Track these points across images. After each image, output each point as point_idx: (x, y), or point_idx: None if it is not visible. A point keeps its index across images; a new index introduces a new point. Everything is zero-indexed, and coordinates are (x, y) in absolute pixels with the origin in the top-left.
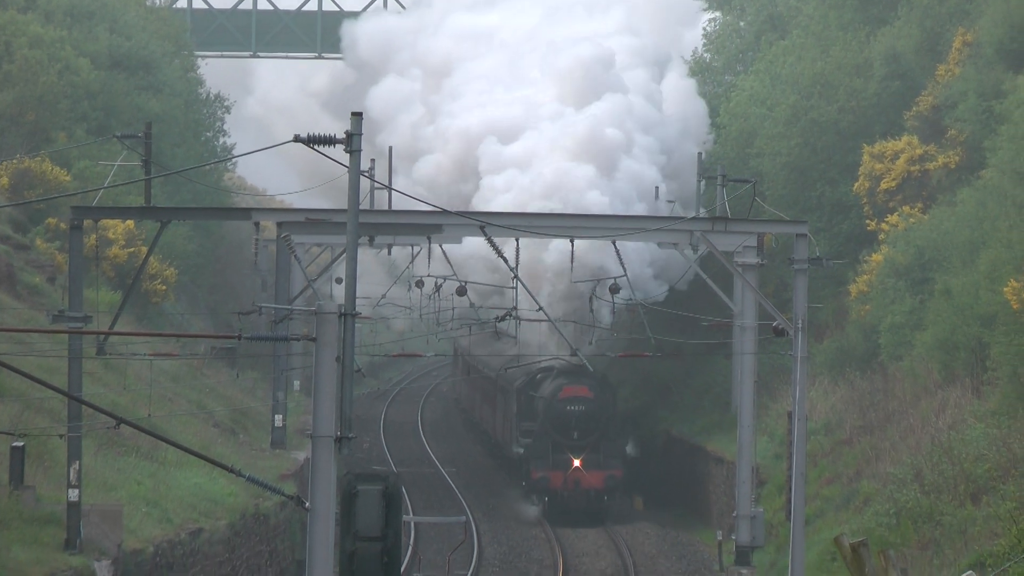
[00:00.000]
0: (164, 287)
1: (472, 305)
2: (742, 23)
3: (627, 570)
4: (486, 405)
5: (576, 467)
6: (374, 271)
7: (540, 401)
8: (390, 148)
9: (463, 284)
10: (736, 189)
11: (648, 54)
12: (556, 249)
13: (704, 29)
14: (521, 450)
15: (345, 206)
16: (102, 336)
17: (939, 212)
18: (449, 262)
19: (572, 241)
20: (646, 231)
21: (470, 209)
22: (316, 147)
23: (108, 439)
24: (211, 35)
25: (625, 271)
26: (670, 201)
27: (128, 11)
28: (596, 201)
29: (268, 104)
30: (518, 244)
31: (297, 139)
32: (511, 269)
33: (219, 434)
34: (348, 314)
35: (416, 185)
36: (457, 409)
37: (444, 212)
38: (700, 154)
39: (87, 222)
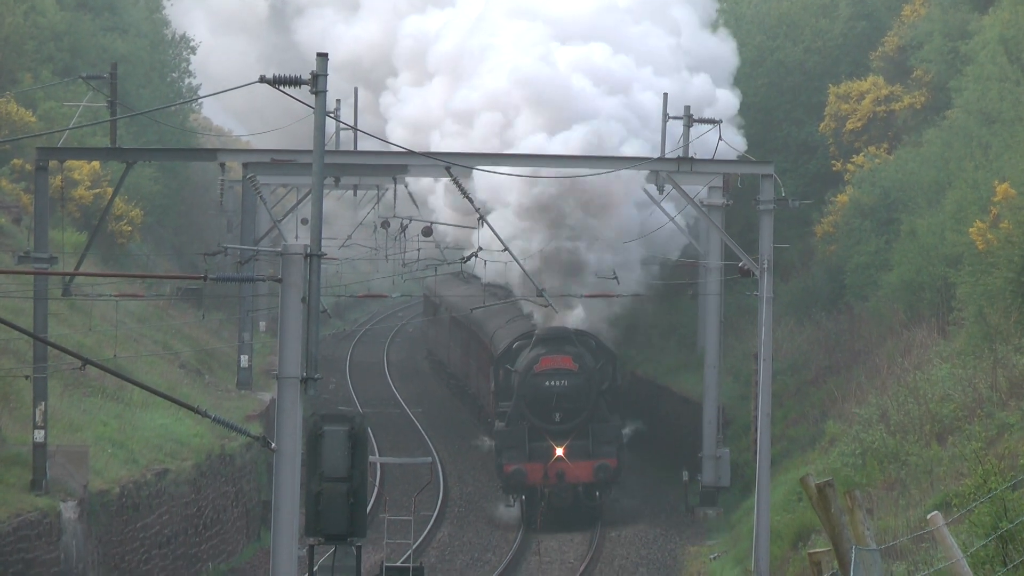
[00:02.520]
0: (130, 228)
1: (438, 246)
2: None
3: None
4: (453, 347)
5: (558, 457)
6: (340, 214)
7: (514, 376)
8: (355, 89)
9: (429, 224)
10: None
11: None
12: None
13: None
14: (492, 441)
15: (311, 147)
16: (68, 277)
17: (905, 153)
18: (415, 202)
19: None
20: (611, 171)
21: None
22: (282, 88)
23: (74, 380)
24: None
25: None
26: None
27: None
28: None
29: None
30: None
31: (263, 80)
32: (476, 209)
33: (185, 375)
34: (314, 255)
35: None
36: (428, 357)
37: (410, 152)
38: (666, 94)
39: (53, 163)
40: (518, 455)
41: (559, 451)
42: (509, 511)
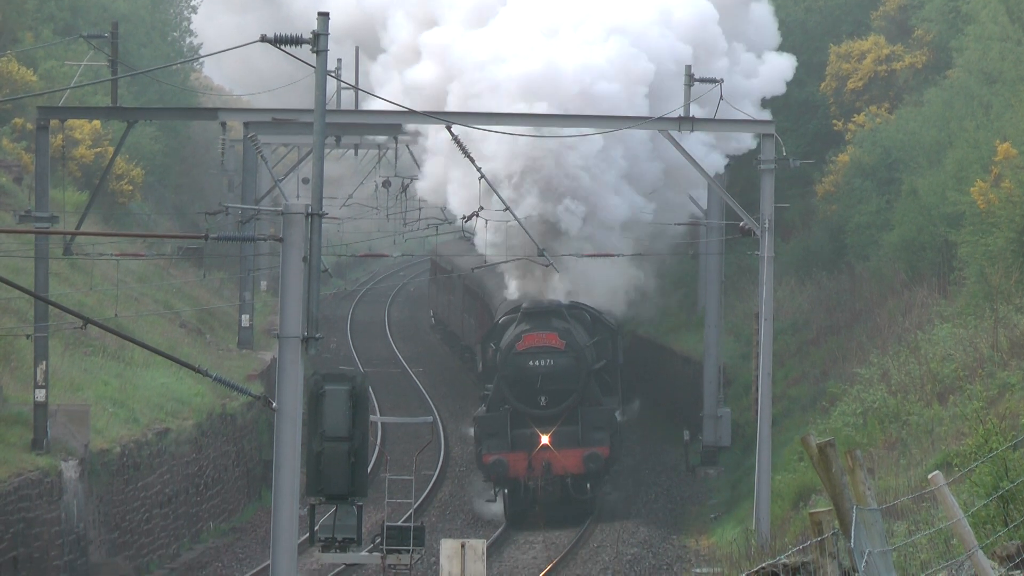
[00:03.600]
0: (131, 187)
1: (441, 207)
2: None
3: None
4: (465, 316)
5: (544, 445)
6: (341, 174)
7: (496, 355)
8: (356, 48)
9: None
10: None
11: None
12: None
13: None
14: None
15: (312, 106)
16: (69, 236)
17: (906, 112)
18: (416, 162)
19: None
20: (614, 130)
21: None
22: (283, 47)
23: (75, 339)
24: None
25: None
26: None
27: None
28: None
29: None
30: None
31: (264, 39)
32: (477, 169)
33: (186, 334)
34: (315, 214)
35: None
36: (437, 327)
37: (411, 112)
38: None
39: (54, 122)
40: (499, 444)
41: (544, 439)
42: (491, 507)
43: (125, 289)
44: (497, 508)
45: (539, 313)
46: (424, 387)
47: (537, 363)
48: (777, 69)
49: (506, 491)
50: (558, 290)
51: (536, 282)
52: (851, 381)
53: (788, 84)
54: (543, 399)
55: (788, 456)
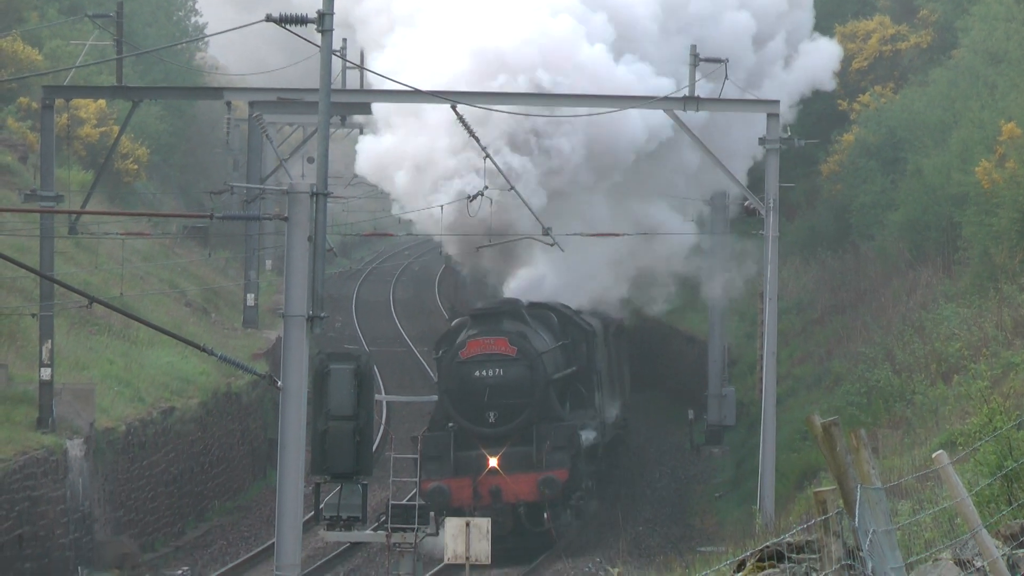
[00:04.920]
0: (136, 167)
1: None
2: None
3: None
4: (457, 298)
5: (492, 469)
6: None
7: (440, 366)
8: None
9: None
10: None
11: None
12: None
13: None
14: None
15: (317, 85)
16: (74, 215)
17: (911, 92)
18: None
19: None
20: (618, 109)
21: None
22: (288, 27)
23: (80, 318)
24: None
25: None
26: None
27: None
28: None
29: None
30: None
31: (269, 19)
32: (482, 149)
33: (191, 313)
34: (320, 193)
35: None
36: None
37: (416, 92)
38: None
39: (59, 101)
40: (440, 468)
41: (493, 461)
42: (433, 541)
43: (130, 268)
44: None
45: (489, 315)
46: (429, 366)
47: (484, 373)
48: (824, 54)
49: None
50: (547, 280)
51: (529, 271)
52: (855, 360)
53: None
54: (491, 415)
55: (793, 435)
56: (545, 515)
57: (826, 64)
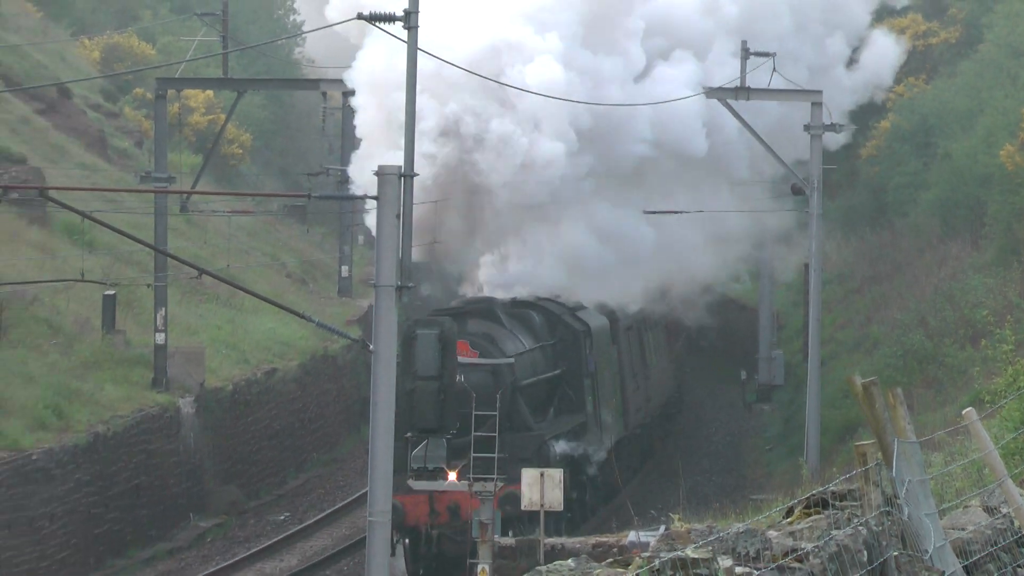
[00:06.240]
0: (240, 151)
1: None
2: None
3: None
4: None
5: (451, 482)
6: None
7: (398, 370)
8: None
9: None
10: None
11: None
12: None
13: None
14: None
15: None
16: (185, 195)
17: (941, 83)
18: None
19: None
20: (671, 100)
21: None
22: (377, 24)
23: (191, 288)
24: None
25: None
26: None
27: None
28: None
29: None
30: None
31: (360, 17)
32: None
33: (291, 283)
34: (407, 175)
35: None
36: None
37: (499, 84)
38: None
39: (171, 92)
40: (395, 483)
41: (452, 475)
42: (393, 562)
43: (236, 243)
44: (399, 563)
45: (457, 314)
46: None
47: None
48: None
49: (407, 541)
50: (544, 275)
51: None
52: (892, 326)
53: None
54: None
55: (835, 394)
56: (510, 532)
57: (888, 62)
